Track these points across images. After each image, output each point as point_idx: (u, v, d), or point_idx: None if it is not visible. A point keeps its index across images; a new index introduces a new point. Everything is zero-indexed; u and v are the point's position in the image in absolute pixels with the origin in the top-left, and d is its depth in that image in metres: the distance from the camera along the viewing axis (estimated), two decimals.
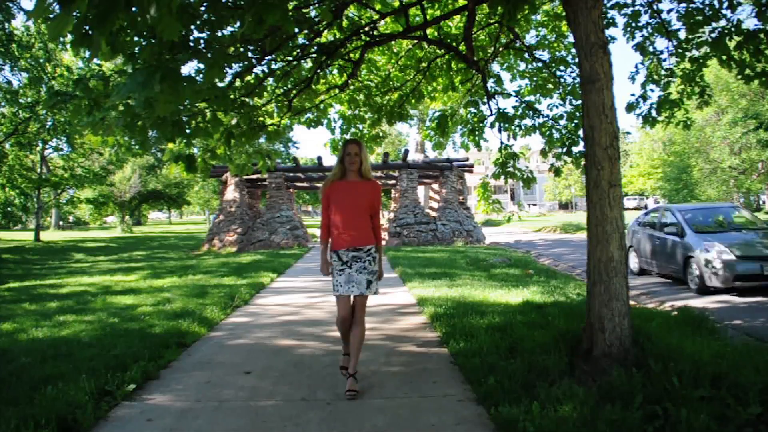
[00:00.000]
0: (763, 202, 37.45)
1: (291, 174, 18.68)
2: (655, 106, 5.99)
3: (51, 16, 1.84)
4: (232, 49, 3.87)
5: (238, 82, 4.87)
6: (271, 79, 5.60)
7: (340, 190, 3.57)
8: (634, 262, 9.71)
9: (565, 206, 56.62)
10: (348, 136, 6.79)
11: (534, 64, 6.63)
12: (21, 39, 16.69)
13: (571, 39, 5.45)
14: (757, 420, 2.59)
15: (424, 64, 6.45)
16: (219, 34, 3.48)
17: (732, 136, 23.41)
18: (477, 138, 6.75)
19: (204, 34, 3.37)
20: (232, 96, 4.57)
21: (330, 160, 20.77)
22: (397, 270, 10.00)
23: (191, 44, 3.16)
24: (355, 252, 3.48)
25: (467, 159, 20.00)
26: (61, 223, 38.71)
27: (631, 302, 4.28)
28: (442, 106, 7.33)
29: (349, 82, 6.05)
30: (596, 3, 3.31)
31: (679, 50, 5.60)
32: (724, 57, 5.11)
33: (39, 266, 13.82)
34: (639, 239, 9.54)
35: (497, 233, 24.59)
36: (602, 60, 3.30)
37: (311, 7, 4.73)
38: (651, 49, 5.94)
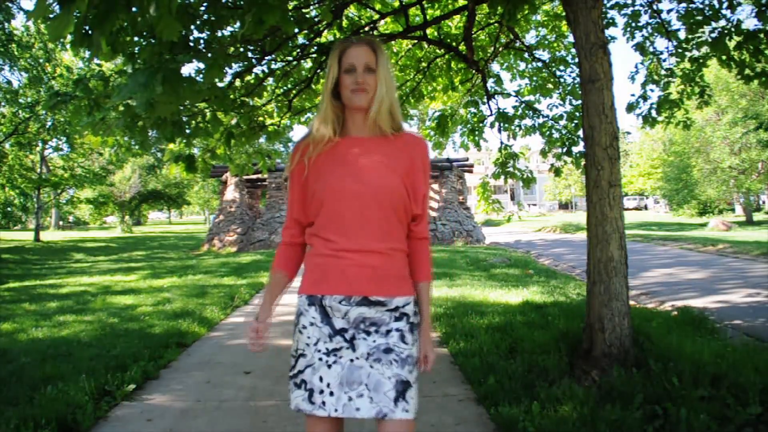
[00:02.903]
0: (763, 202, 37.46)
1: None
2: (655, 106, 5.99)
3: (51, 16, 1.84)
4: (232, 49, 3.87)
5: (238, 82, 4.87)
6: (271, 79, 5.60)
7: (336, 161, 1.55)
8: None
9: (565, 206, 56.61)
10: None
11: (534, 64, 6.63)
12: (21, 39, 16.68)
13: (571, 39, 5.44)
14: (757, 420, 2.59)
15: (424, 64, 6.45)
16: (219, 34, 3.48)
17: (732, 136, 23.38)
18: (477, 138, 6.76)
19: (204, 34, 3.37)
20: (232, 96, 4.57)
21: None
22: None
23: (191, 44, 3.16)
24: (366, 307, 1.48)
25: (467, 159, 20.02)
26: (60, 223, 38.69)
27: (631, 302, 4.27)
28: (442, 106, 7.33)
29: None
30: (596, 3, 3.31)
31: (679, 50, 5.60)
32: (724, 57, 5.10)
33: (39, 266, 13.81)
34: None
35: (497, 233, 24.58)
36: (602, 60, 3.30)
37: (311, 7, 4.73)
38: (651, 49, 5.94)
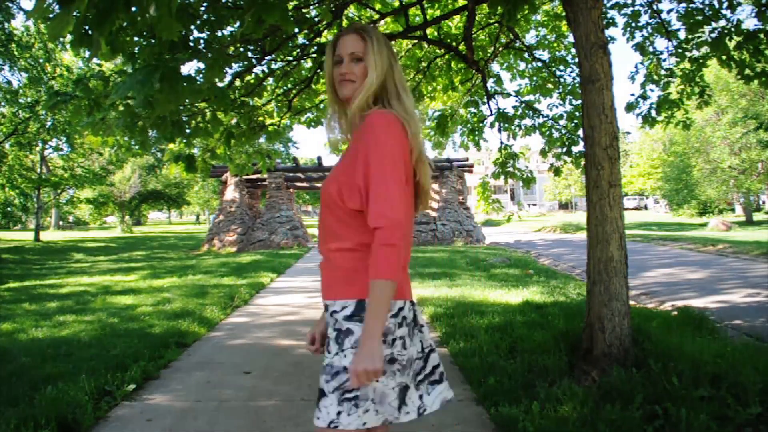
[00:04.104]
0: (763, 202, 37.47)
1: (291, 174, 18.68)
2: (654, 106, 5.99)
3: (50, 16, 1.84)
4: (232, 49, 3.87)
5: (238, 82, 4.88)
6: (271, 79, 5.61)
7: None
8: None
9: (565, 206, 56.62)
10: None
11: (534, 64, 6.63)
12: (21, 39, 16.69)
13: (571, 39, 5.44)
14: (757, 420, 2.59)
15: (423, 64, 6.45)
16: (219, 34, 3.48)
17: (732, 136, 23.39)
18: (477, 138, 6.77)
19: (204, 34, 3.37)
20: (232, 96, 4.58)
21: (330, 160, 20.75)
22: None
23: (191, 44, 3.16)
24: (326, 311, 1.51)
25: (467, 159, 20.00)
26: (60, 223, 38.69)
27: (631, 302, 4.28)
28: (441, 106, 7.33)
29: None
30: (596, 3, 3.31)
31: (679, 50, 5.60)
32: (724, 57, 5.11)
33: (39, 266, 13.81)
34: None
35: (497, 233, 24.59)
36: (602, 60, 3.30)
37: (311, 7, 4.74)
38: (651, 49, 5.94)
